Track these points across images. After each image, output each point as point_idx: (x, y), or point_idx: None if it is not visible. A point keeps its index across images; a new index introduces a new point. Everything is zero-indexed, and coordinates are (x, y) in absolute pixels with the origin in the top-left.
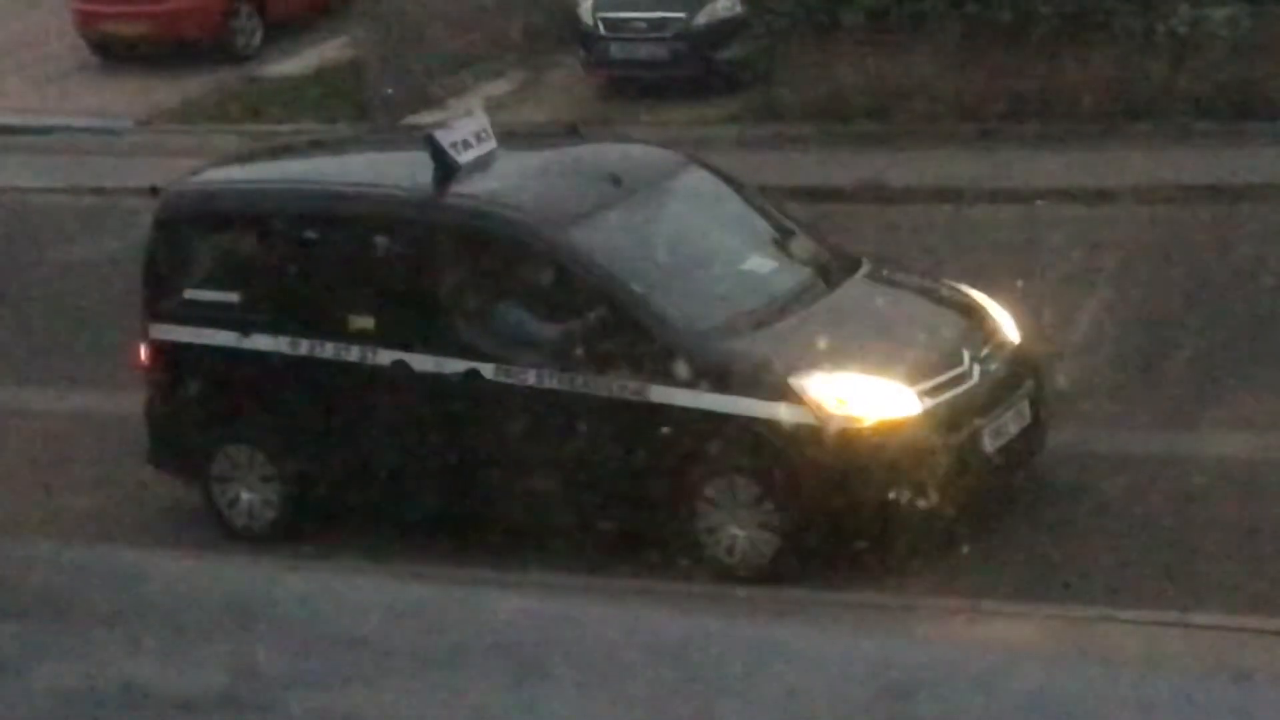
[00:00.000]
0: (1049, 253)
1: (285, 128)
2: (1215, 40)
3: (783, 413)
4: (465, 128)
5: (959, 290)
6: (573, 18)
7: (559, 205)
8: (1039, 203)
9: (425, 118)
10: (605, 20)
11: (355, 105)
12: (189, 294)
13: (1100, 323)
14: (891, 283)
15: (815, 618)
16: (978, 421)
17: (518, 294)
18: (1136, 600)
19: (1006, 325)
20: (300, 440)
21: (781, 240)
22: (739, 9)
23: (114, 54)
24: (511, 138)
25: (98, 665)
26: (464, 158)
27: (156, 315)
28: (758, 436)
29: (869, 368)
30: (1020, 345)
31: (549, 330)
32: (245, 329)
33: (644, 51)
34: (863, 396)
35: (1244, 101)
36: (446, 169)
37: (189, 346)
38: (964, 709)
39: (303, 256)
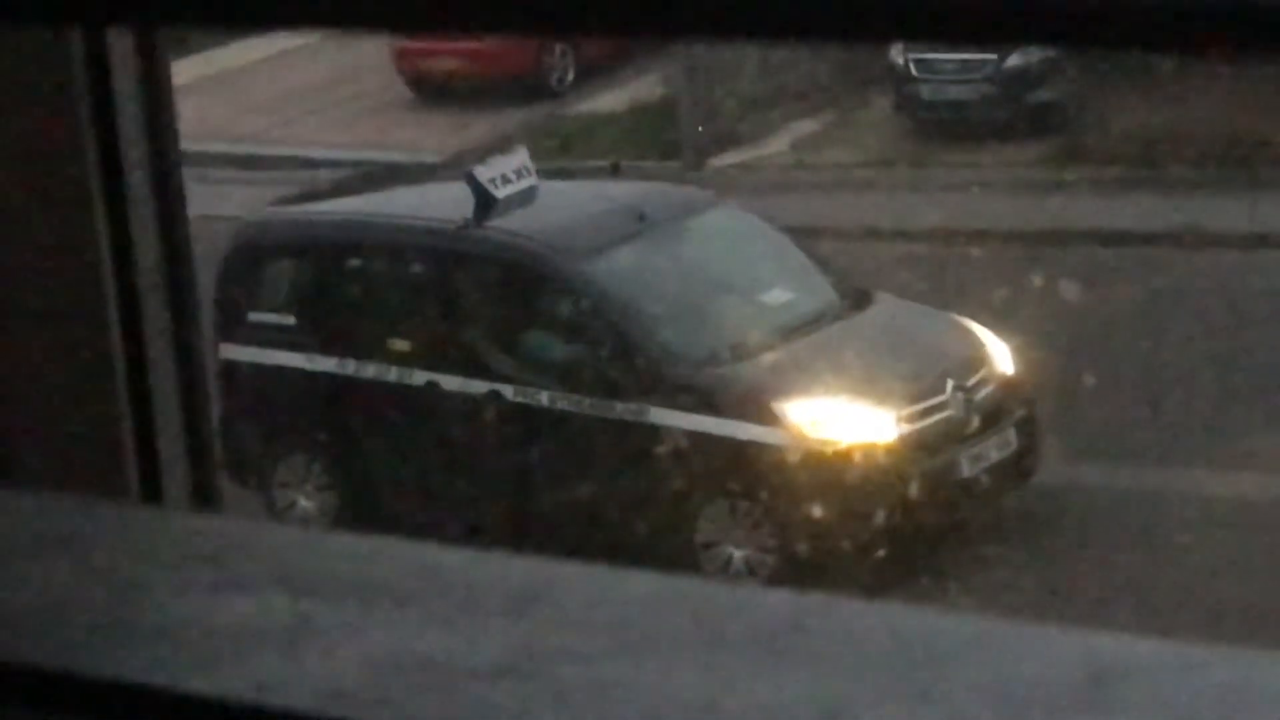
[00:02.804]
0: None
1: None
2: None
3: (765, 435)
4: (505, 164)
5: (959, 323)
6: (883, 58)
7: (577, 237)
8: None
9: (733, 157)
10: (917, 61)
11: (665, 143)
12: (254, 317)
13: None
14: (895, 316)
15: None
16: (956, 447)
17: (536, 320)
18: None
19: (1001, 357)
20: (350, 453)
21: (797, 274)
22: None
23: (430, 90)
24: (555, 175)
25: (399, 639)
26: (501, 192)
27: (226, 336)
28: (745, 458)
29: (851, 393)
30: (1012, 376)
31: (562, 354)
32: (301, 349)
33: (954, 92)
34: (841, 420)
35: None
36: (484, 202)
37: (254, 365)
38: (1167, 694)
39: (349, 283)
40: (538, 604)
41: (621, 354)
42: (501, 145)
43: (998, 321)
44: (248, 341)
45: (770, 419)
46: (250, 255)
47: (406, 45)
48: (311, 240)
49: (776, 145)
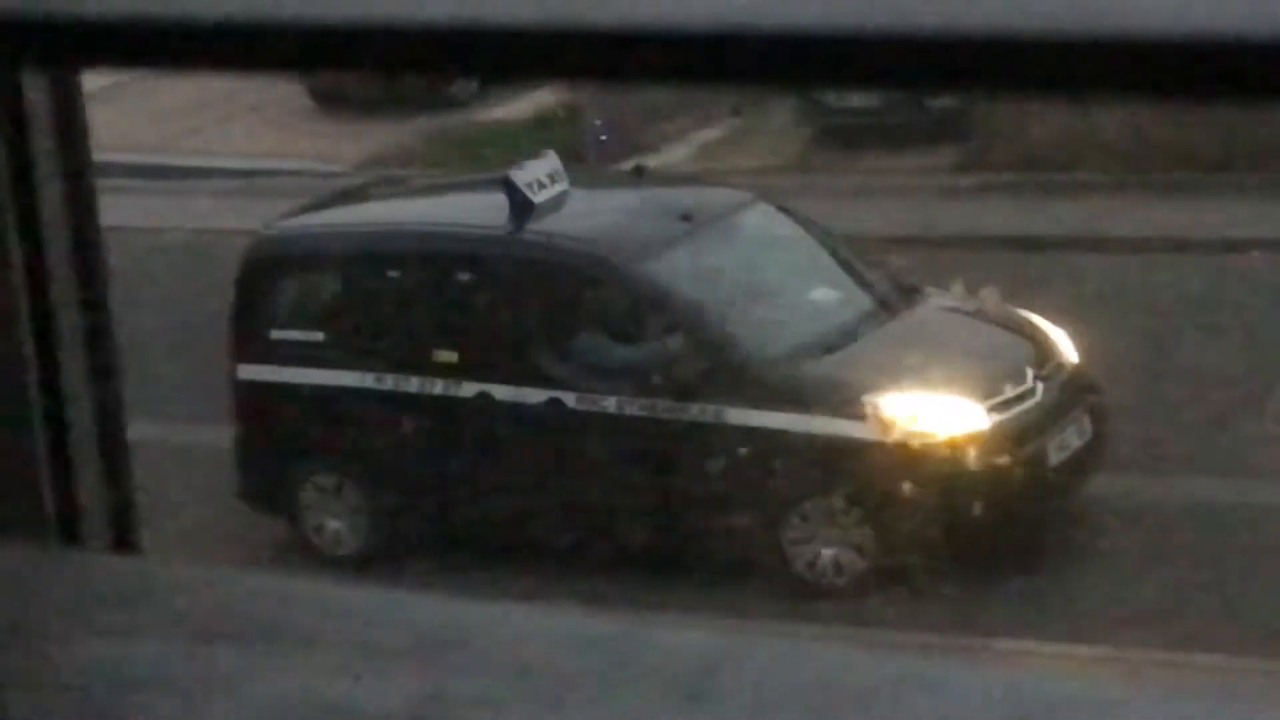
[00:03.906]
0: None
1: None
2: None
3: (856, 430)
4: (539, 168)
5: (1015, 313)
6: None
7: (632, 239)
8: (1255, 254)
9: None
10: None
11: (569, 150)
12: (276, 334)
13: None
14: (952, 309)
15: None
16: (1043, 436)
17: (595, 324)
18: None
19: (1064, 345)
20: (389, 471)
21: (847, 270)
22: None
23: (332, 99)
24: (582, 178)
25: (304, 684)
26: (538, 197)
27: (245, 355)
28: (833, 455)
29: (938, 385)
30: (1078, 364)
31: (627, 358)
32: (331, 366)
33: (856, 99)
34: (933, 413)
35: None
36: (522, 207)
37: (277, 384)
38: None
39: (385, 295)
40: (448, 647)
41: (692, 354)
42: (399, 156)
43: None
44: (269, 360)
45: (858, 413)
46: (269, 270)
47: None
48: (338, 252)
49: (680, 153)
